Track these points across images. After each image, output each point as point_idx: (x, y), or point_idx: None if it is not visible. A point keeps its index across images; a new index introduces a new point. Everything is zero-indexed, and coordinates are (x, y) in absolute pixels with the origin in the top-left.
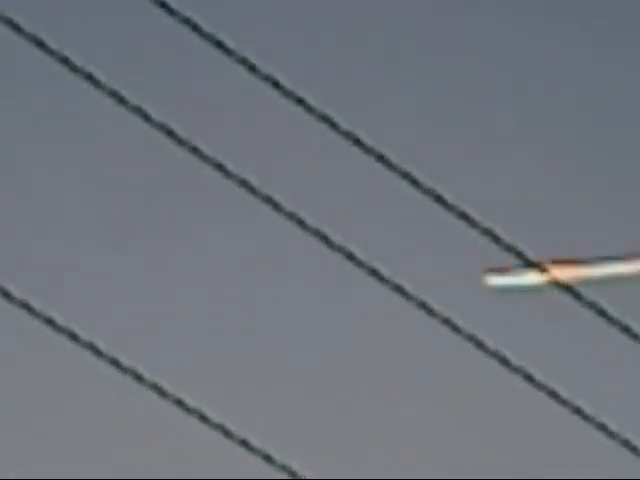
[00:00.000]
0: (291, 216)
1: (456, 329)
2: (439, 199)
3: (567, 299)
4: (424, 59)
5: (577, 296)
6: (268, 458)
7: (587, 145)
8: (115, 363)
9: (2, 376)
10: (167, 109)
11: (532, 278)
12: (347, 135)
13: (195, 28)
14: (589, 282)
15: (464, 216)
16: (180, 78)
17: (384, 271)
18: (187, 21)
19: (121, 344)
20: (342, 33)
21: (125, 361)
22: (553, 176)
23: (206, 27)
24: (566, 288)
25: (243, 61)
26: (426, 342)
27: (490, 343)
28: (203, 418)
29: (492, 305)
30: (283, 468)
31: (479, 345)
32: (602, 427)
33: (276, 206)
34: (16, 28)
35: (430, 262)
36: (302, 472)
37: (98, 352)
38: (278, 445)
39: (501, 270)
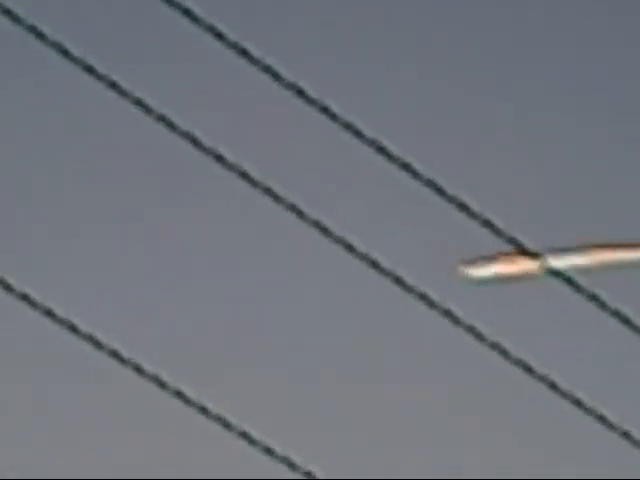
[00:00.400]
0: (290, 207)
1: (454, 319)
2: (438, 189)
3: (563, 287)
4: (424, 50)
5: (572, 284)
6: (244, 435)
7: (585, 134)
8: (95, 343)
9: None
10: (162, 97)
11: (528, 266)
12: (340, 121)
13: (190, 15)
14: (584, 270)
15: (461, 205)
16: (174, 64)
17: (380, 260)
18: (180, 7)
19: (115, 331)
20: (342, 24)
21: (106, 342)
22: (552, 167)
23: (205, 16)
24: (561, 276)
25: (244, 53)
26: (423, 332)
27: (486, 332)
28: (183, 398)
29: (485, 294)
30: (262, 446)
31: (475, 334)
32: (600, 417)
33: (276, 197)
34: (9, 14)
35: (426, 252)
36: (283, 452)
37: (78, 332)
38: (257, 425)
39: (497, 258)
